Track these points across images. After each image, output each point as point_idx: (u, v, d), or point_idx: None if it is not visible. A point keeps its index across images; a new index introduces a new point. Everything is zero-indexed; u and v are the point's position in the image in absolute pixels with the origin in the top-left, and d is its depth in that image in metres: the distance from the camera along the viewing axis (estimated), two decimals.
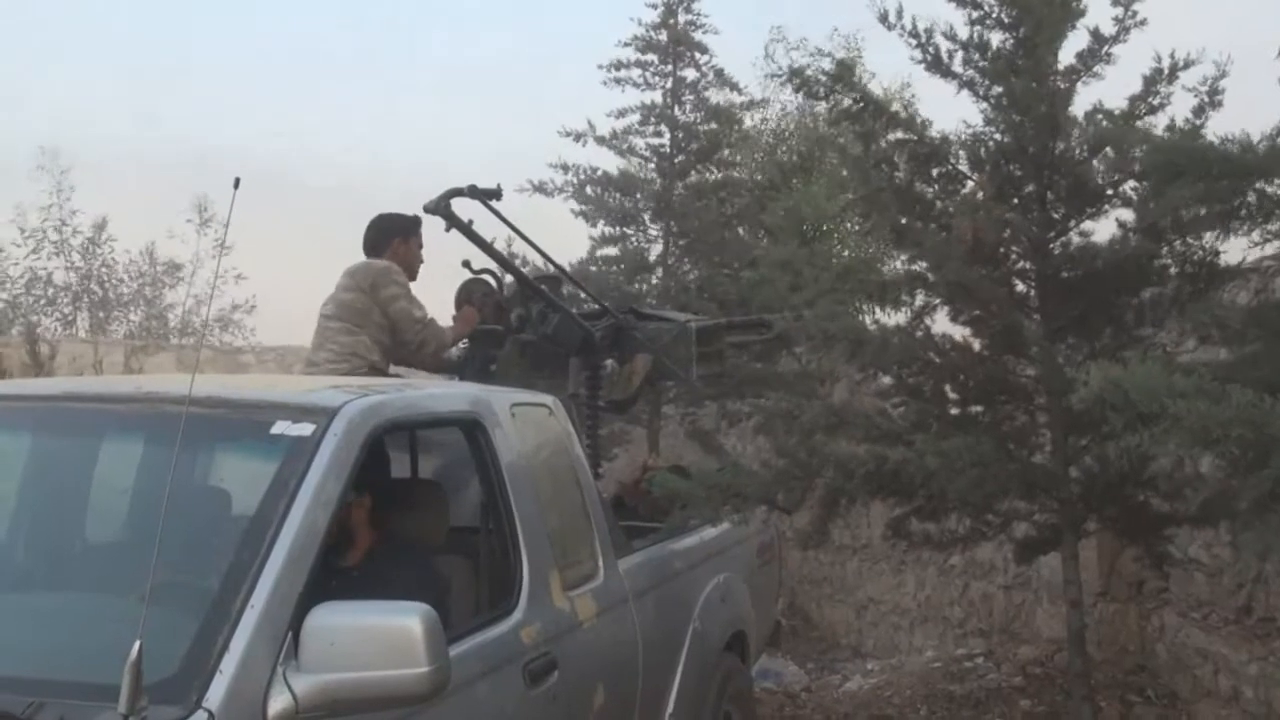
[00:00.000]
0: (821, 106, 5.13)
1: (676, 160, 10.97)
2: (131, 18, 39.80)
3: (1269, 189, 3.30)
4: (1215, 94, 4.33)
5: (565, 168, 10.77)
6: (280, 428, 2.51)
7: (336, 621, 2.13)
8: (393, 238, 4.86)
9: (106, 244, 17.82)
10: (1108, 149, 4.28)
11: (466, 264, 5.13)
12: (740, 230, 11.19)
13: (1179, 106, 4.41)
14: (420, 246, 4.95)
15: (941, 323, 4.72)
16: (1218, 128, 4.09)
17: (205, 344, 15.72)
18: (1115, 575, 6.28)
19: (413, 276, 4.92)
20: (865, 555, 9.74)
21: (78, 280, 17.67)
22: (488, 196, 4.68)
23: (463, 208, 4.72)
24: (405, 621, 2.13)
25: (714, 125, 11.10)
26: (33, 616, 2.45)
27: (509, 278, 5.41)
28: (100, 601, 2.49)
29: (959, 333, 4.72)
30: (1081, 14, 4.43)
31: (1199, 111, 4.34)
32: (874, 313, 5.15)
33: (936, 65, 4.55)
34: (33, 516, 2.87)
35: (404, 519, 3.16)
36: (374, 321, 4.69)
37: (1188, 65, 4.39)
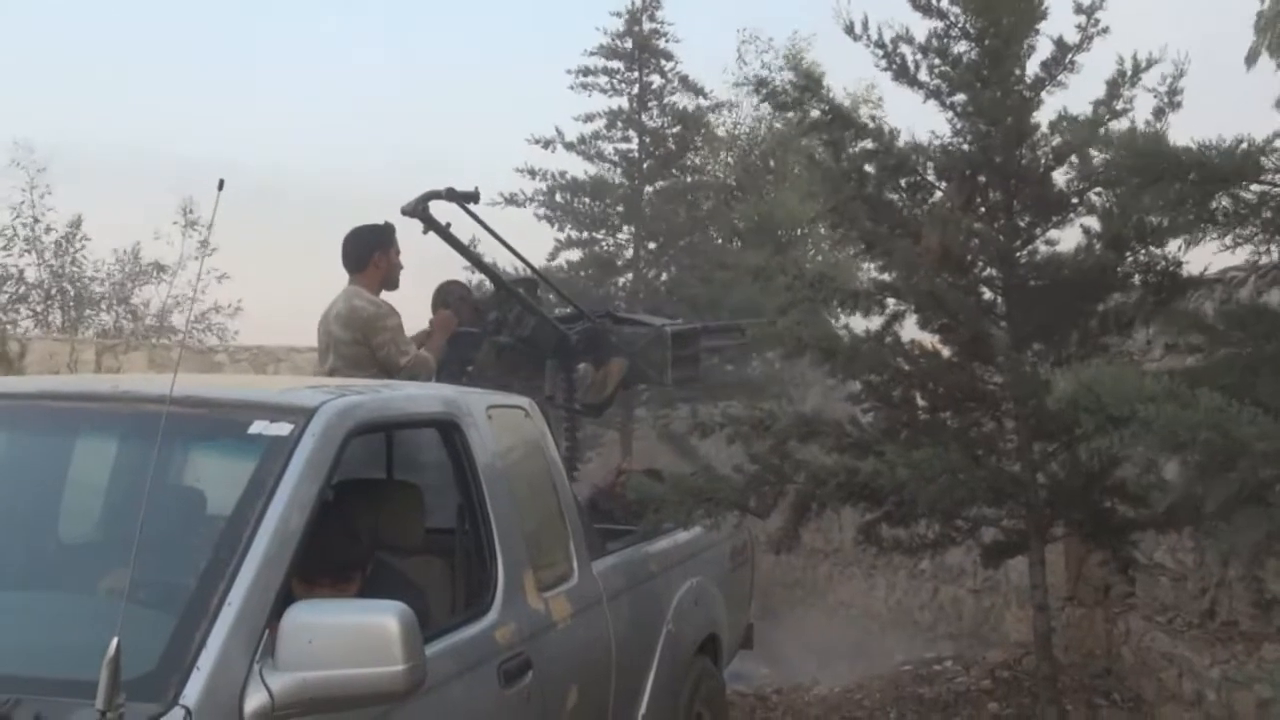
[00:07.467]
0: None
1: (645, 165, 11.08)
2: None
3: (1242, 194, 3.32)
4: (1174, 94, 4.36)
5: (534, 173, 10.84)
6: (258, 427, 2.51)
7: (313, 619, 2.15)
8: (373, 251, 4.82)
9: (81, 243, 17.55)
10: (1073, 157, 4.33)
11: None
12: (712, 232, 11.30)
13: (1140, 110, 4.44)
14: (398, 254, 4.92)
15: (911, 329, 4.77)
16: (1177, 130, 4.10)
17: (180, 344, 15.58)
18: (1082, 580, 6.36)
19: (395, 285, 4.90)
20: (837, 559, 9.82)
21: (50, 278, 17.38)
22: (465, 199, 4.70)
23: (439, 210, 4.75)
24: (382, 619, 2.15)
25: (680, 129, 11.24)
26: (9, 614, 2.45)
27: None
28: (78, 600, 2.49)
29: (929, 340, 4.77)
30: (1043, 17, 4.45)
31: (1159, 114, 4.37)
32: (846, 318, 5.18)
33: (903, 74, 4.58)
34: (8, 515, 2.86)
35: (379, 520, 3.17)
36: (371, 366, 4.70)
37: (1149, 65, 4.40)
